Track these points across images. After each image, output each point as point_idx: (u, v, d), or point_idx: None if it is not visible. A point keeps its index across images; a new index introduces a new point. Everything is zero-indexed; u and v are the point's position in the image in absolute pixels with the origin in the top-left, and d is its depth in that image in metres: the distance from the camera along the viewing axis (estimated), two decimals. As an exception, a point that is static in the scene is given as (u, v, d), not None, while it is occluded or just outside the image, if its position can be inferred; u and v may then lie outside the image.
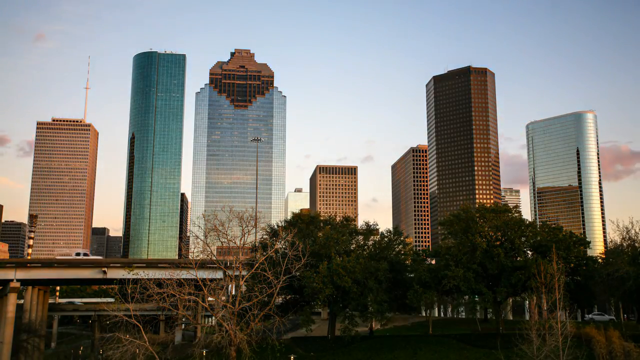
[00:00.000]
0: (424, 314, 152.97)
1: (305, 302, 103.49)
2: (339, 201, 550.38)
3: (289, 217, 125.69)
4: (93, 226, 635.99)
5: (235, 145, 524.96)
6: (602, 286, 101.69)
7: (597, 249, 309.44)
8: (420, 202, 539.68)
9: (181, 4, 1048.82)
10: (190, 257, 67.25)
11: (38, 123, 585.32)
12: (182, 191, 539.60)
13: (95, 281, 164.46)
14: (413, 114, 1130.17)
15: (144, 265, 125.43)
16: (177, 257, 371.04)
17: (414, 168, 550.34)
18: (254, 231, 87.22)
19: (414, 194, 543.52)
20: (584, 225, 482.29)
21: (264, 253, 72.59)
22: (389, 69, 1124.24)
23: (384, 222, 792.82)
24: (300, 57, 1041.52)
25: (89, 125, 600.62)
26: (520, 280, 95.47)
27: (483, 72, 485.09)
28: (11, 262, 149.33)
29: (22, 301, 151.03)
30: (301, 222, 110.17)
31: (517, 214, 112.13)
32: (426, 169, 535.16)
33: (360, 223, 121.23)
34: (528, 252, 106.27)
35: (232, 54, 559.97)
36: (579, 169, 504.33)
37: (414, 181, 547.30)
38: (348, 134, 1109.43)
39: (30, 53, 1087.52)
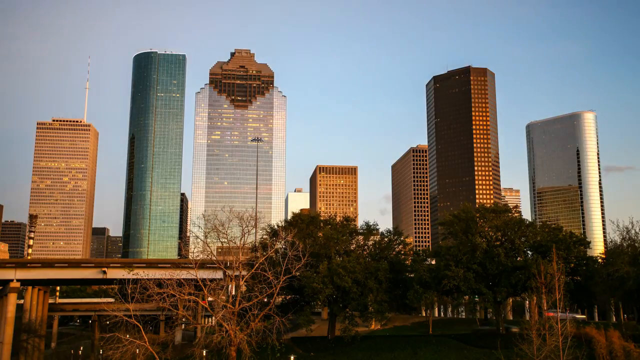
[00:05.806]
0: (424, 314, 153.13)
1: (305, 302, 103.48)
2: (339, 201, 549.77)
3: (289, 217, 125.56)
4: (93, 226, 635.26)
5: (235, 145, 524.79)
6: (602, 286, 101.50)
7: (597, 249, 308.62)
8: (420, 202, 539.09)
9: (181, 4, 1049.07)
10: (190, 257, 67.27)
11: (38, 123, 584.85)
12: (182, 191, 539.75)
13: (95, 281, 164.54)
14: (413, 114, 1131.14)
15: (144, 265, 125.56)
16: (177, 257, 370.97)
17: (414, 168, 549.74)
18: (254, 231, 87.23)
19: (414, 194, 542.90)
20: (584, 225, 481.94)
21: (264, 253, 72.54)
22: (389, 68, 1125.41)
23: (384, 222, 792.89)
24: (300, 57, 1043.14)
25: (89, 125, 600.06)
26: (520, 280, 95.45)
27: (483, 72, 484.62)
28: (11, 262, 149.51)
29: (22, 301, 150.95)
30: (301, 222, 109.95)
31: (517, 214, 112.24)
32: (426, 169, 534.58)
33: (360, 223, 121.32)
34: (528, 252, 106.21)
35: (232, 54, 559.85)
36: (579, 168, 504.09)
37: (414, 181, 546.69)
38: (348, 133, 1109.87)
39: (30, 53, 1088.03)
